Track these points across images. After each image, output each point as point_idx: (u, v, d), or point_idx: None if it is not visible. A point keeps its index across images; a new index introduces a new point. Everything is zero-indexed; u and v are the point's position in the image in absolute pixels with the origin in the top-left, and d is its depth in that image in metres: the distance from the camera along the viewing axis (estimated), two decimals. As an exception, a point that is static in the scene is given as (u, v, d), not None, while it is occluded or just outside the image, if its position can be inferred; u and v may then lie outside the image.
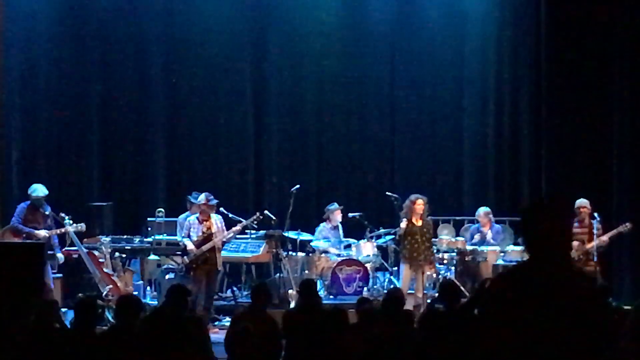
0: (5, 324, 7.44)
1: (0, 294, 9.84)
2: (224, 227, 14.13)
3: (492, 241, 15.78)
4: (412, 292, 14.29)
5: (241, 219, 14.56)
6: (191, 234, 13.96)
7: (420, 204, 14.35)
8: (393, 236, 15.21)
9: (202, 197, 14.08)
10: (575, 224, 14.03)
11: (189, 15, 17.30)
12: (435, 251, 15.53)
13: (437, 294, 9.04)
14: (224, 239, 14.19)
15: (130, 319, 7.96)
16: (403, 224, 14.28)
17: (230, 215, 14.81)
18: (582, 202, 14.17)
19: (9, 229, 13.75)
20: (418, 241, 14.24)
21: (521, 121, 18.04)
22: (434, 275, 14.91)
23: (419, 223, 14.32)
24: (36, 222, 13.81)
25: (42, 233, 13.62)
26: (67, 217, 13.97)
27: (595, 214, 14.26)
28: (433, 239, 15.89)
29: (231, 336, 9.20)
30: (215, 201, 14.11)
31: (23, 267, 10.46)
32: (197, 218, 14.04)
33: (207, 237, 13.91)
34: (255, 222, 14.53)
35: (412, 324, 8.70)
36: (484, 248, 15.61)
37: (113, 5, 16.90)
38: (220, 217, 14.28)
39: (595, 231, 14.05)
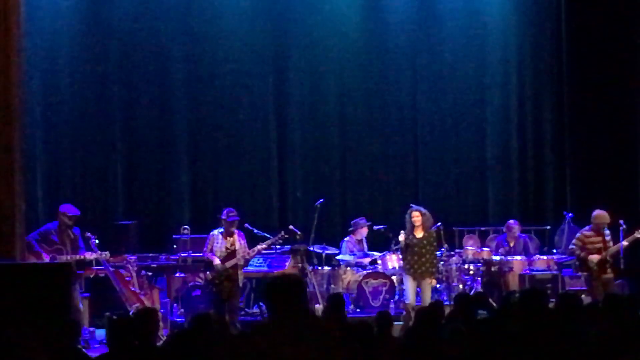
0: (30, 346, 7.43)
1: (26, 316, 9.82)
2: (246, 244, 14.07)
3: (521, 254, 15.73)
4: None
5: (266, 235, 14.52)
6: (214, 248, 13.92)
7: (415, 216, 14.06)
8: (397, 247, 14.89)
9: (223, 213, 14.03)
10: (591, 233, 13.98)
11: (210, 30, 17.33)
12: (461, 262, 15.51)
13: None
14: (247, 257, 14.11)
15: (149, 333, 7.83)
16: (401, 236, 14.05)
17: (255, 231, 14.79)
18: (597, 213, 14.07)
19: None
20: (418, 253, 13.96)
21: (544, 129, 18.04)
22: (435, 285, 14.67)
23: (420, 235, 14.07)
24: (62, 244, 13.79)
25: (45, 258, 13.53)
26: (92, 238, 13.97)
27: (621, 221, 14.15)
28: (458, 250, 15.87)
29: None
30: (234, 218, 13.97)
31: (49, 287, 10.42)
32: (221, 233, 14.00)
33: (231, 252, 13.83)
34: (281, 241, 14.40)
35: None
36: (510, 258, 15.58)
37: (134, 22, 16.96)
38: (241, 233, 14.20)
39: (607, 238, 14.00)
